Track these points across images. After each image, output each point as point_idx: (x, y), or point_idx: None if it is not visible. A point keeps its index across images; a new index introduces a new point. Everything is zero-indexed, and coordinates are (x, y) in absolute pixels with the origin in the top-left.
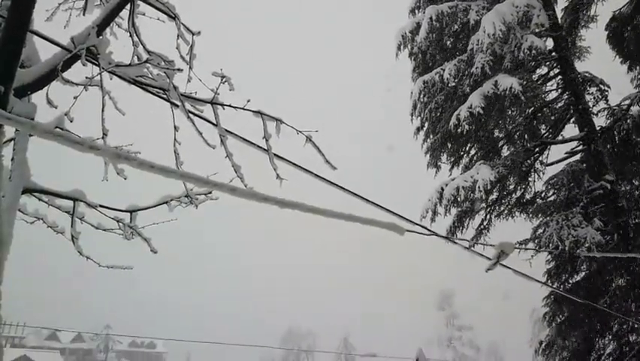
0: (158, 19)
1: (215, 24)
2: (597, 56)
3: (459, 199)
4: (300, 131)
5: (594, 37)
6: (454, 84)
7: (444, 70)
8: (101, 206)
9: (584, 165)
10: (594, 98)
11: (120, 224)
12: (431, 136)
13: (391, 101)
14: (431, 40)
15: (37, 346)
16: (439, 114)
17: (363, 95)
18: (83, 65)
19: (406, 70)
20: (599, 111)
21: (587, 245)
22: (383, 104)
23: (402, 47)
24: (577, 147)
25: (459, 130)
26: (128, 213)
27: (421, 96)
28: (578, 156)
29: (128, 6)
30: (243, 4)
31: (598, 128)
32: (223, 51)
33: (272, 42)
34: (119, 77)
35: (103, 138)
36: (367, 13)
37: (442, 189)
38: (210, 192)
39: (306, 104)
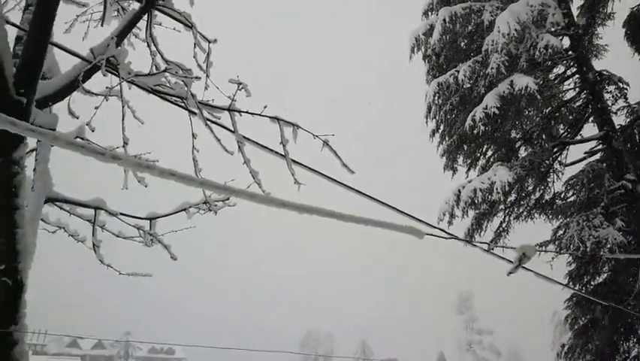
0: (175, 28)
1: (220, 26)
2: (615, 53)
3: (476, 201)
4: (317, 136)
5: (612, 35)
6: (469, 85)
7: (458, 71)
8: (121, 214)
9: (604, 164)
10: (613, 96)
11: (140, 231)
12: (447, 138)
13: (395, 99)
14: (445, 42)
15: (58, 353)
16: (454, 116)
17: (364, 93)
18: (104, 75)
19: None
20: (618, 110)
21: (608, 246)
22: (386, 102)
23: (415, 49)
24: (596, 146)
25: (475, 131)
26: (148, 221)
27: (436, 98)
28: (597, 156)
29: (146, 16)
30: (243, 3)
31: (617, 127)
32: (228, 52)
33: (273, 41)
34: (138, 86)
35: (124, 146)
36: (369, 12)
37: (459, 191)
38: (228, 199)
39: (307, 103)
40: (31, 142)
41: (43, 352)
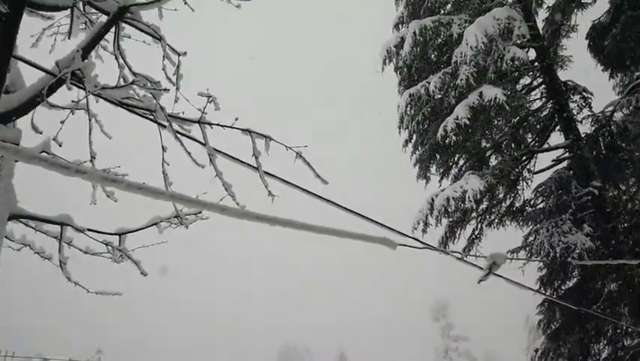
0: (144, 41)
1: (197, 33)
2: (579, 64)
3: (449, 210)
4: (290, 148)
5: (576, 46)
6: (440, 96)
7: (429, 83)
8: (89, 230)
9: (571, 171)
10: (578, 105)
11: (109, 247)
12: (419, 148)
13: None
14: (415, 54)
15: None
16: (426, 126)
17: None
18: (69, 88)
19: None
20: (583, 118)
21: (577, 252)
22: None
23: (387, 61)
24: (563, 154)
25: (447, 141)
26: (117, 237)
27: (408, 109)
28: (564, 163)
29: (113, 29)
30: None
31: (583, 135)
32: (211, 60)
33: (260, 37)
34: (105, 99)
35: (91, 161)
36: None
37: (433, 200)
38: (200, 212)
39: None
40: None
41: None
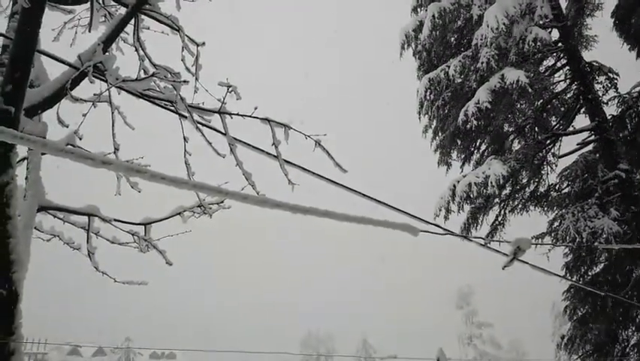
0: (163, 32)
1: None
2: (605, 44)
3: (472, 196)
4: (309, 136)
5: (601, 26)
6: (460, 80)
7: (449, 67)
8: (115, 220)
9: (597, 155)
10: (603, 87)
11: (135, 237)
12: (440, 134)
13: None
14: (435, 37)
15: None
16: (446, 111)
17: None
18: (91, 82)
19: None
20: (609, 100)
21: (604, 236)
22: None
23: (405, 45)
24: (589, 137)
25: (468, 126)
26: (143, 227)
27: (427, 94)
28: (590, 147)
29: (133, 21)
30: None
31: (609, 117)
32: (226, 53)
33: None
34: (127, 91)
35: (115, 152)
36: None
37: (454, 186)
38: (222, 202)
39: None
40: (21, 151)
41: (43, 360)
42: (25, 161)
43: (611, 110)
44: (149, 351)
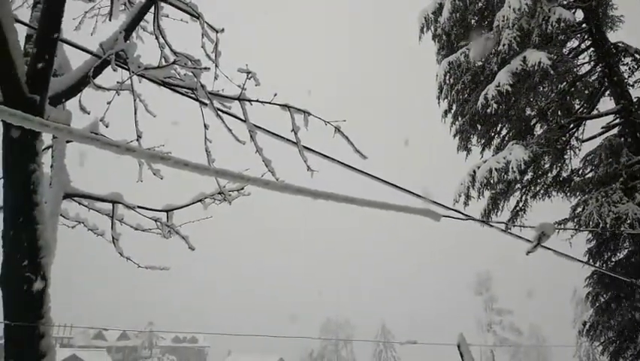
0: (182, 19)
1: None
2: (631, 24)
3: (492, 181)
4: (329, 122)
5: (627, 5)
6: (480, 63)
7: (469, 50)
8: (139, 207)
9: (622, 138)
10: (629, 68)
11: (158, 223)
12: (459, 118)
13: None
14: (455, 20)
15: (84, 345)
16: (466, 95)
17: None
18: (114, 70)
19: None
20: (635, 82)
21: (628, 222)
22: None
23: (424, 29)
24: (613, 120)
25: (488, 110)
26: (165, 213)
27: (447, 78)
28: (615, 130)
29: (152, 9)
30: None
31: (635, 100)
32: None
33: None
34: (149, 79)
35: (137, 139)
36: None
37: (474, 171)
38: (242, 188)
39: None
40: (46, 140)
41: (69, 344)
42: (50, 149)
43: (637, 92)
44: (171, 335)
